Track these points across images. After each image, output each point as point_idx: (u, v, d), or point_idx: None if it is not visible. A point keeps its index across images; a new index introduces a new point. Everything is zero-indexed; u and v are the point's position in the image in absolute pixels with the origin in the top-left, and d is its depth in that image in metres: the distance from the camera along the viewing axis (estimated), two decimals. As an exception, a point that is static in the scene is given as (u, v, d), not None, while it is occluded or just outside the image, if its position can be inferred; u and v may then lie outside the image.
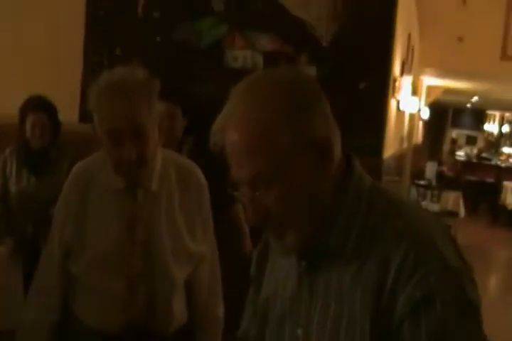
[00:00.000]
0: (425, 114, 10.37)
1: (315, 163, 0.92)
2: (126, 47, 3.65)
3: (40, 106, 3.00)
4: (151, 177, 1.62)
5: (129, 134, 1.51)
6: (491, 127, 17.42)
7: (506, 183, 10.39)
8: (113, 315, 1.61)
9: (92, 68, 3.57)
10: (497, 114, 17.25)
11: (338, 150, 0.95)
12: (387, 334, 0.89)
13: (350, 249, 0.94)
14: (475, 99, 12.89)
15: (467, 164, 12.67)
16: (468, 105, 15.60)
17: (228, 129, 0.91)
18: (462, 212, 7.76)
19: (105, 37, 3.69)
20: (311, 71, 3.36)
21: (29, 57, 3.77)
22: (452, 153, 12.85)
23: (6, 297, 2.75)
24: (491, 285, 6.75)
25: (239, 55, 3.55)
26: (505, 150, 15.42)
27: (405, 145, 6.76)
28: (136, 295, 1.60)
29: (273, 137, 0.89)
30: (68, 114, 3.17)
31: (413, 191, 7.66)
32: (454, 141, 15.50)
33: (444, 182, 8.12)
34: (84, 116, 3.45)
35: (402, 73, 4.64)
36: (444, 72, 7.72)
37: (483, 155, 14.67)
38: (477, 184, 11.23)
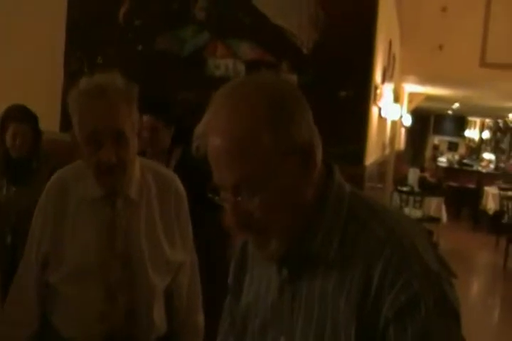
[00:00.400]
0: (407, 120, 10.46)
1: (298, 168, 0.92)
2: (107, 56, 3.64)
3: (21, 115, 2.96)
4: (130, 185, 1.62)
5: (108, 137, 1.50)
6: (472, 133, 17.62)
7: (487, 189, 10.51)
8: (92, 326, 1.59)
9: (72, 77, 3.55)
10: (477, 120, 17.46)
11: (319, 156, 0.95)
12: (372, 339, 0.90)
13: (332, 257, 0.94)
14: (456, 105, 13.03)
15: (449, 170, 12.81)
16: (450, 112, 15.77)
17: (210, 134, 0.91)
18: (444, 217, 7.82)
19: (86, 45, 3.68)
20: (293, 79, 3.37)
21: (8, 66, 3.74)
22: (434, 159, 12.97)
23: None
24: (472, 289, 6.80)
25: (221, 64, 3.55)
26: (486, 156, 15.59)
27: (387, 152, 6.80)
28: (116, 304, 1.59)
29: (255, 142, 0.89)
30: (49, 123, 3.14)
31: (396, 197, 7.71)
32: (435, 147, 15.64)
33: (427, 189, 8.17)
34: (65, 125, 3.43)
35: (383, 80, 4.67)
36: (425, 79, 7.80)
37: (465, 161, 14.82)
38: (459, 190, 11.35)
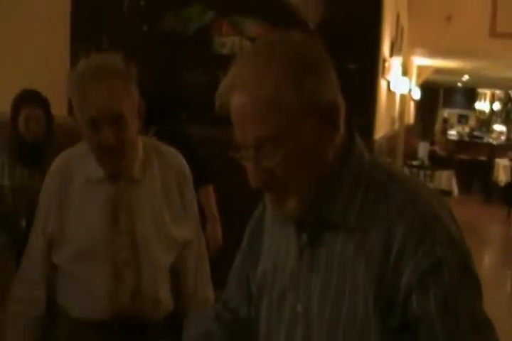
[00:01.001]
0: (416, 94, 10.36)
1: (321, 128, 0.92)
2: (112, 38, 3.62)
3: (34, 100, 2.99)
4: (133, 165, 1.63)
5: (106, 121, 1.51)
6: (482, 105, 17.44)
7: (498, 161, 10.44)
8: (99, 304, 1.60)
9: (79, 60, 3.54)
10: (488, 92, 17.26)
11: (342, 119, 0.94)
12: (391, 306, 0.90)
13: (352, 221, 0.94)
14: (465, 78, 12.89)
15: (459, 143, 12.71)
16: (459, 84, 15.60)
17: (234, 91, 0.91)
18: (455, 190, 7.81)
19: (91, 28, 3.66)
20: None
21: (15, 52, 3.73)
22: (444, 132, 12.87)
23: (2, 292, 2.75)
24: (485, 260, 6.82)
25: (227, 41, 3.53)
26: (497, 127, 15.46)
27: (397, 125, 6.76)
28: (122, 282, 1.60)
29: (280, 99, 0.89)
30: (57, 107, 3.15)
31: (406, 171, 7.69)
32: (445, 121, 15.51)
33: (437, 162, 8.14)
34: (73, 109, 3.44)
35: (391, 54, 4.62)
36: (434, 51, 7.70)
37: (475, 133, 14.70)
38: (470, 162, 11.27)
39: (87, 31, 3.67)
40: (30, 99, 2.98)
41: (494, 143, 13.10)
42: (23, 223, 2.95)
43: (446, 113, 17.15)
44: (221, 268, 1.54)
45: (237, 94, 0.91)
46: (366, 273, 0.91)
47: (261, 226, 1.13)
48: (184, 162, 1.75)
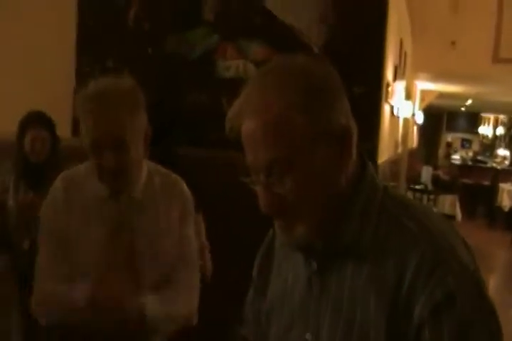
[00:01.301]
0: (420, 118, 10.39)
1: (333, 152, 0.90)
2: (117, 59, 3.65)
3: (40, 121, 3.04)
4: (135, 184, 1.65)
5: (108, 145, 1.53)
6: (486, 130, 17.47)
7: (502, 185, 10.41)
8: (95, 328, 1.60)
9: (83, 81, 3.55)
10: (491, 116, 17.30)
11: (355, 143, 0.93)
12: (402, 338, 0.87)
13: (363, 249, 0.92)
14: (469, 102, 12.93)
15: (463, 167, 12.69)
16: (463, 109, 15.65)
17: (244, 115, 0.90)
18: (459, 215, 7.77)
19: (96, 49, 3.68)
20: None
21: (19, 71, 3.75)
22: (448, 156, 12.87)
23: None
24: (490, 286, 6.74)
25: (231, 65, 3.54)
26: (501, 152, 15.45)
27: (400, 150, 6.76)
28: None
29: (289, 124, 0.88)
30: (60, 128, 3.16)
31: (409, 196, 7.66)
32: (449, 145, 15.53)
33: (440, 186, 8.12)
34: (77, 129, 3.44)
35: (394, 78, 4.64)
36: (438, 75, 7.74)
37: (479, 158, 14.69)
38: (473, 187, 11.25)
39: (93, 53, 3.69)
40: (36, 120, 3.03)
41: (498, 167, 13.08)
42: (26, 244, 2.94)
43: (449, 137, 17.18)
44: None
45: (245, 118, 0.90)
46: (377, 304, 0.89)
47: (271, 253, 1.11)
48: (186, 187, 1.77)
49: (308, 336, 0.97)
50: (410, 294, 0.86)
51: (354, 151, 0.93)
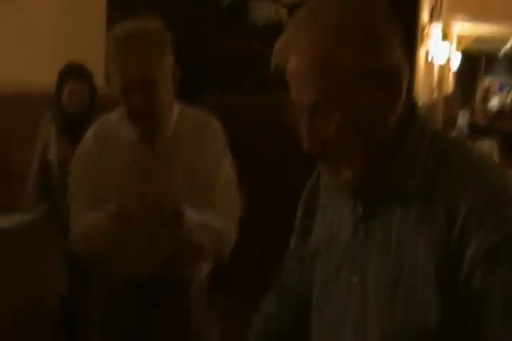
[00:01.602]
0: (456, 62, 10.07)
1: (382, 92, 0.87)
2: (150, 5, 3.61)
3: (78, 73, 3.05)
4: (166, 125, 1.66)
5: (137, 84, 1.53)
6: (526, 73, 16.85)
7: (542, 130, 10.12)
8: (138, 262, 1.67)
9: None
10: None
11: (405, 83, 0.89)
12: (452, 281, 0.85)
13: (411, 193, 0.90)
14: (508, 45, 12.46)
15: (501, 112, 12.35)
16: (502, 52, 15.10)
17: (290, 52, 0.88)
18: (496, 160, 7.63)
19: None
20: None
21: (53, 23, 3.76)
22: (485, 100, 12.53)
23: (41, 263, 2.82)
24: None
25: (262, 10, 3.48)
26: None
27: (435, 95, 6.62)
28: (158, 242, 1.65)
29: (336, 61, 0.85)
30: (94, 77, 3.17)
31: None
32: (486, 89, 15.09)
33: (477, 132, 7.96)
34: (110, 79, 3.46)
35: (430, 20, 4.50)
36: (476, 17, 7.45)
37: (518, 102, 14.25)
38: (511, 132, 10.97)
39: (125, 0, 3.66)
40: (75, 72, 3.05)
41: (537, 111, 12.69)
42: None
43: (487, 81, 16.68)
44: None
45: (291, 55, 0.87)
46: (427, 249, 0.87)
47: (316, 194, 1.10)
48: (218, 125, 1.76)
49: (355, 279, 0.96)
50: (462, 238, 0.84)
51: (403, 92, 0.89)
